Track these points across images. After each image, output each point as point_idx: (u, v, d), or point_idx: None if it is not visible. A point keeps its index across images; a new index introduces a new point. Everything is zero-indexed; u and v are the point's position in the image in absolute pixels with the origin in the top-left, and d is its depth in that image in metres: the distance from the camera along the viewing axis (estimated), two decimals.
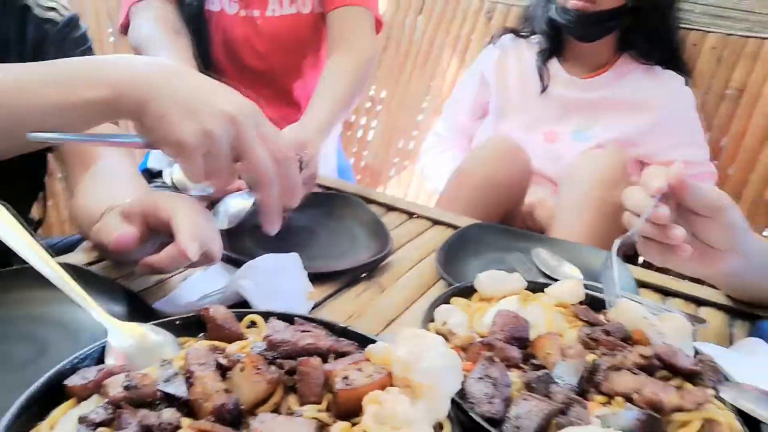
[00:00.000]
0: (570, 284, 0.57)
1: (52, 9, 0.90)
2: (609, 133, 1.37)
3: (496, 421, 0.41)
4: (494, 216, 1.22)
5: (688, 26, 1.54)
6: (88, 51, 0.93)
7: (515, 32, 1.51)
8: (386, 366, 0.41)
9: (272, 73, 1.28)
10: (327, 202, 0.98)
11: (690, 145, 1.38)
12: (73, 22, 0.90)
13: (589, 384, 0.46)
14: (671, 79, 1.37)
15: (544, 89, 1.42)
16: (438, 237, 0.95)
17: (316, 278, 0.73)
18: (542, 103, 1.43)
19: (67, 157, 0.87)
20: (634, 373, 0.46)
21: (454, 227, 0.98)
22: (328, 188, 1.09)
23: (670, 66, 1.38)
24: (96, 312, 0.46)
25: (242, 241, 0.81)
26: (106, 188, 0.75)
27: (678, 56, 1.42)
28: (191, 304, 0.65)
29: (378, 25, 1.19)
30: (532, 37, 1.48)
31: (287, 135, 0.91)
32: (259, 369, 0.40)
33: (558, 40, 1.42)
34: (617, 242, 0.61)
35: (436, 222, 1.01)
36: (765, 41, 1.50)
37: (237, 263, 0.71)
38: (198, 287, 0.69)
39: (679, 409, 0.43)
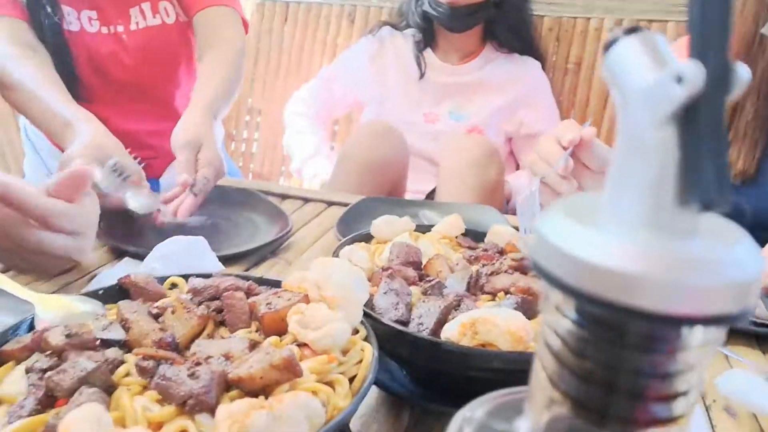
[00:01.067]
0: (451, 219, 0.66)
1: None
2: (481, 113, 1.53)
3: (403, 323, 0.48)
4: (380, 194, 1.30)
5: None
6: None
7: (392, 25, 1.63)
8: (303, 291, 0.46)
9: (145, 86, 1.27)
10: (224, 197, 1.01)
11: (549, 120, 1.56)
12: None
13: (475, 288, 0.54)
14: (530, 64, 1.56)
15: (422, 75, 1.55)
16: (333, 215, 1.02)
17: (226, 260, 0.77)
18: (420, 87, 1.57)
19: None
20: (509, 274, 0.55)
21: (347, 205, 1.05)
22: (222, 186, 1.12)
23: (527, 53, 1.56)
24: (18, 290, 0.48)
25: (147, 238, 0.83)
26: None
27: (534, 44, 1.60)
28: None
29: (244, 24, 1.22)
30: (407, 29, 1.61)
31: (180, 138, 0.92)
32: (188, 308, 0.44)
33: (431, 32, 1.57)
34: (537, 180, 0.71)
35: (330, 203, 1.08)
36: (590, 20, 1.72)
37: (143, 257, 0.73)
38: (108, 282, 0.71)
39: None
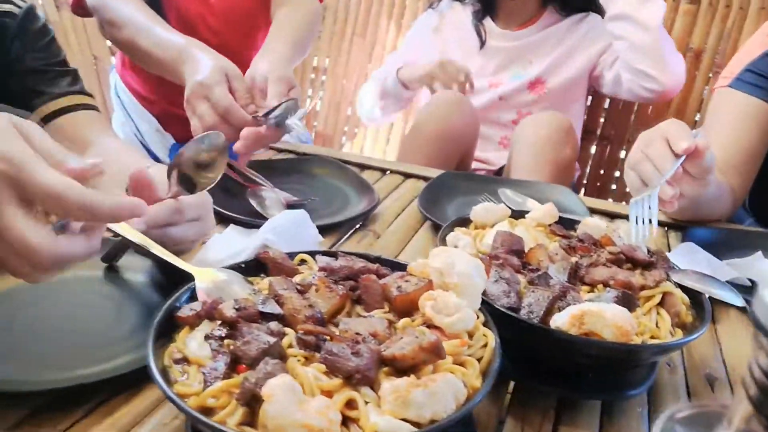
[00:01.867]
0: (546, 207, 0.70)
1: (9, 2, 0.92)
2: (542, 65, 1.55)
3: (515, 309, 0.53)
4: (450, 165, 1.34)
5: None
6: (52, 42, 0.96)
7: None
8: (426, 276, 0.52)
9: (228, 50, 1.31)
10: (308, 165, 1.07)
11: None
12: (31, 13, 0.92)
13: (574, 279, 0.59)
14: (590, 16, 1.56)
15: (482, 44, 1.57)
16: (412, 187, 1.07)
17: (321, 230, 0.83)
18: (483, 56, 1.59)
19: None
20: (607, 266, 0.59)
21: (425, 178, 1.10)
22: (305, 153, 1.18)
23: (588, 8, 1.55)
24: (178, 262, 0.55)
25: (245, 206, 0.90)
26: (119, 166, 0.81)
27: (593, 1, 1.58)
28: (220, 261, 0.74)
29: None
30: (466, 0, 1.62)
31: (262, 70, 0.93)
32: (330, 287, 0.50)
33: (489, 1, 1.57)
34: (657, 187, 0.74)
35: (407, 175, 1.13)
36: None
37: (246, 225, 0.81)
38: (218, 247, 0.78)
39: (644, 288, 0.57)
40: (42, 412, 0.50)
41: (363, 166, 1.15)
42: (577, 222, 0.72)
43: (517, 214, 0.72)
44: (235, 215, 0.86)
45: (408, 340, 0.43)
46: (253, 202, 0.90)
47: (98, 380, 0.51)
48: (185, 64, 0.93)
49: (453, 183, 1.03)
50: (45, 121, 0.92)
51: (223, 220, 0.86)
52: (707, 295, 0.59)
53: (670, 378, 0.61)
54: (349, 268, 0.53)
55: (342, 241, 0.87)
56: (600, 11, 1.55)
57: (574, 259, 0.61)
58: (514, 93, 1.57)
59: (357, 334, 0.45)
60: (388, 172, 1.14)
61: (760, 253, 0.81)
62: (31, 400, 0.51)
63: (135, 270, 0.70)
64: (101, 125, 0.97)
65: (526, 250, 0.62)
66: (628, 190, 0.84)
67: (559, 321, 0.51)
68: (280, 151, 1.22)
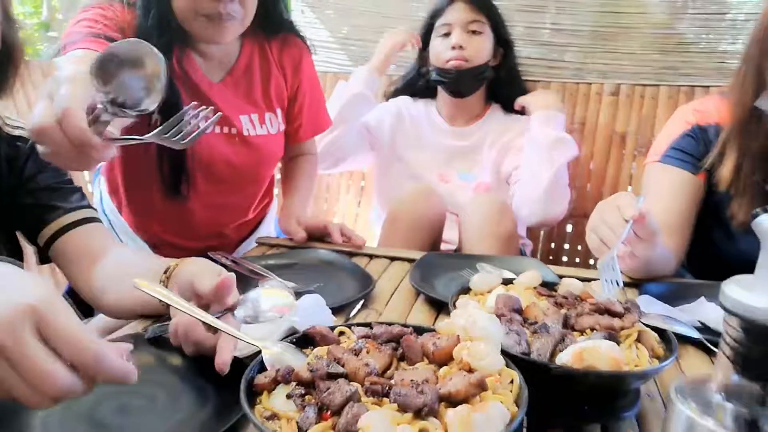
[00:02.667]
0: (531, 274, 0.84)
1: (20, 127, 1.02)
2: (485, 171, 1.73)
3: (527, 354, 0.65)
4: (425, 247, 1.49)
5: (534, 78, 1.96)
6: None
7: (404, 93, 1.84)
8: (453, 333, 0.63)
9: (240, 184, 1.42)
10: (303, 256, 1.19)
11: None
12: None
13: (566, 327, 0.72)
14: (524, 119, 1.75)
15: (432, 139, 1.76)
16: (399, 269, 1.20)
17: (332, 311, 0.94)
18: (433, 149, 1.76)
19: (67, 251, 1.00)
20: (591, 315, 0.73)
21: (409, 260, 1.23)
22: (296, 246, 1.30)
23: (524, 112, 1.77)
24: (247, 338, 0.65)
25: None
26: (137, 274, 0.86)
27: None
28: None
29: None
30: (418, 97, 1.83)
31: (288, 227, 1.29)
32: (379, 348, 0.61)
33: (438, 98, 1.78)
34: (616, 248, 0.90)
35: (392, 258, 1.26)
36: (591, 85, 1.95)
37: None
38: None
39: (623, 328, 0.70)
40: None
41: (351, 254, 1.27)
42: (554, 284, 0.85)
43: (507, 281, 0.85)
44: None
45: (457, 379, 0.54)
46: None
47: None
48: None
49: (438, 262, 1.16)
50: (61, 232, 1.00)
51: None
52: (671, 332, 0.73)
53: (651, 405, 0.74)
54: (389, 332, 0.64)
55: (351, 318, 0.97)
56: None
57: (563, 312, 0.74)
58: (461, 190, 1.73)
59: (412, 380, 0.56)
60: (374, 257, 1.27)
61: (703, 298, 0.98)
62: None
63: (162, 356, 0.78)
64: (110, 235, 1.06)
65: (523, 308, 0.75)
66: (591, 249, 0.99)
67: (564, 359, 0.63)
68: (271, 246, 1.32)
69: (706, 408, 0.41)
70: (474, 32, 1.66)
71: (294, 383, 0.56)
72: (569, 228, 1.97)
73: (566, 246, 1.99)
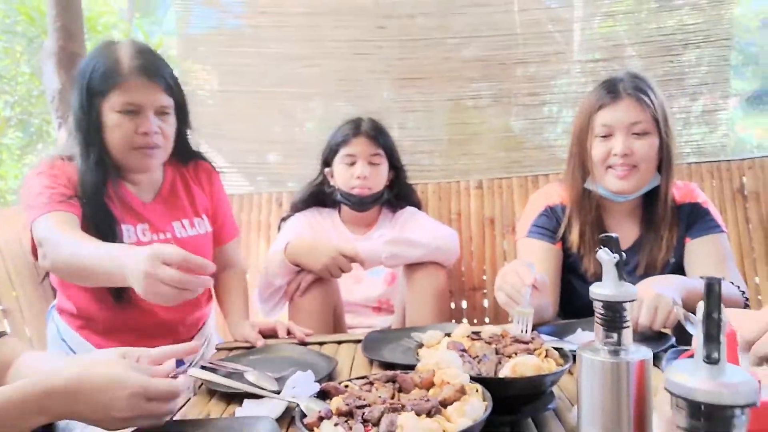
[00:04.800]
0: (463, 326, 1.15)
1: None
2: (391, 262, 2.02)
3: (479, 374, 0.94)
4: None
5: (414, 182, 2.37)
6: None
7: (310, 204, 2.12)
8: (428, 369, 0.91)
9: None
10: (263, 351, 1.41)
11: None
12: None
13: (498, 355, 1.02)
14: (414, 213, 2.11)
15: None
16: (348, 348, 1.45)
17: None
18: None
19: None
20: (512, 344, 1.04)
21: (354, 341, 1.49)
22: (251, 346, 1.51)
23: (408, 204, 2.13)
24: (287, 398, 0.88)
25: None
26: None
27: (414, 198, 2.17)
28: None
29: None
30: (321, 207, 2.12)
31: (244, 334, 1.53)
32: (383, 385, 0.87)
33: (342, 211, 2.09)
34: (525, 304, 1.21)
35: (339, 342, 1.51)
36: (459, 182, 2.39)
37: (256, 396, 1.12)
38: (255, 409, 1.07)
39: (536, 349, 1.02)
40: None
41: (304, 344, 1.50)
42: (478, 332, 1.17)
43: (447, 334, 1.15)
44: (247, 390, 1.16)
45: (446, 390, 0.82)
46: (249, 383, 1.21)
47: None
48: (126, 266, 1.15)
49: (380, 337, 1.44)
50: None
51: (236, 396, 1.14)
52: (567, 349, 1.06)
53: (562, 403, 1.05)
54: (386, 376, 0.91)
55: None
56: (419, 205, 2.16)
57: (493, 346, 1.05)
58: (374, 285, 2.03)
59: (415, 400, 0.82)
60: (323, 343, 1.51)
61: (579, 329, 1.34)
62: None
63: None
64: (19, 344, 1.14)
65: (466, 348, 1.05)
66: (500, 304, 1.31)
67: (504, 372, 0.93)
68: (230, 349, 1.52)
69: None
70: (373, 163, 1.99)
71: (336, 416, 0.81)
72: (464, 304, 2.33)
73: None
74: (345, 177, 2.00)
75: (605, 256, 0.75)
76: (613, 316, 0.73)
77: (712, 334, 0.60)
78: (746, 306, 1.57)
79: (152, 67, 1.47)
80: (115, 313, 1.50)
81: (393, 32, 2.60)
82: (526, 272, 1.25)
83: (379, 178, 2.01)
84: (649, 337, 1.28)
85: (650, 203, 1.65)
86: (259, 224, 2.43)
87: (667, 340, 1.27)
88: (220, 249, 1.75)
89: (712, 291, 0.60)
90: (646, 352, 0.75)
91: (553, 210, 1.70)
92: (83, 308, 1.54)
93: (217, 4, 2.81)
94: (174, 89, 1.53)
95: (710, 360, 0.60)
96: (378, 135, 2.01)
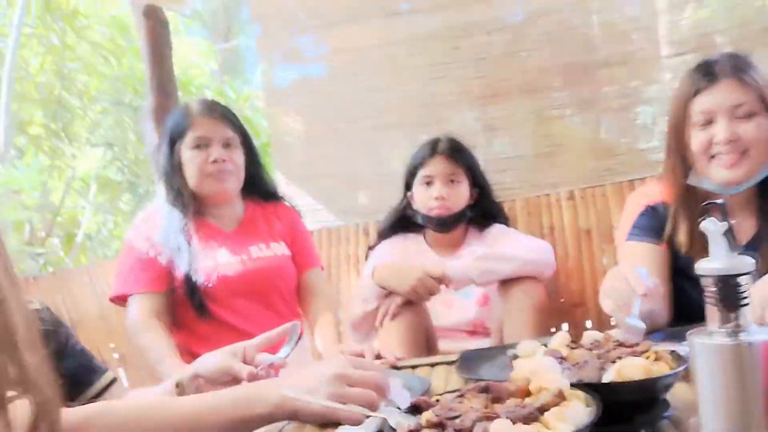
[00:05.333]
0: (561, 335, 1.07)
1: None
2: (480, 286, 1.92)
3: (580, 381, 0.86)
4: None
5: (502, 200, 2.30)
6: (72, 334, 1.16)
7: (396, 231, 2.10)
8: (524, 377, 0.85)
9: (256, 299, 1.74)
10: None
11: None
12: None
13: (599, 360, 0.94)
14: (502, 229, 2.03)
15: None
16: (444, 370, 1.40)
17: None
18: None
19: None
20: (616, 349, 0.95)
21: (448, 363, 1.43)
22: None
23: (495, 221, 2.05)
24: (376, 414, 0.85)
25: None
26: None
27: (502, 216, 2.10)
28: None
29: None
30: (407, 231, 2.09)
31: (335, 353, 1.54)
32: (476, 395, 0.82)
33: (426, 234, 2.05)
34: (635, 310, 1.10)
35: (433, 365, 1.46)
36: (548, 196, 2.29)
37: None
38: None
39: (643, 352, 0.93)
40: None
41: (395, 367, 1.46)
42: (576, 341, 1.08)
43: (544, 344, 1.08)
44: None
45: (544, 396, 0.75)
46: None
47: None
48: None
49: (475, 355, 1.38)
50: (106, 389, 1.14)
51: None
52: (678, 351, 0.96)
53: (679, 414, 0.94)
54: (478, 386, 0.85)
55: None
56: (507, 222, 2.08)
57: (594, 352, 0.96)
58: (465, 308, 1.96)
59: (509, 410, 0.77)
60: (416, 367, 1.47)
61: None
62: None
63: None
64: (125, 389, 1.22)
65: (564, 357, 0.97)
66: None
67: (608, 377, 0.85)
68: None
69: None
70: (453, 182, 1.94)
71: (426, 429, 0.76)
72: (565, 326, 2.21)
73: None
74: (424, 198, 1.97)
75: (711, 226, 0.67)
76: (728, 293, 0.64)
77: None
78: None
79: (216, 107, 1.75)
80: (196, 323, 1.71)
81: (467, 53, 2.59)
82: (637, 279, 1.14)
83: (458, 197, 1.96)
84: None
85: (767, 192, 1.50)
86: (348, 257, 2.44)
87: None
88: (302, 276, 1.83)
89: None
90: None
91: (655, 209, 1.57)
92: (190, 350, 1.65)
93: (299, 57, 2.91)
94: (237, 125, 1.75)
95: None
96: (456, 153, 1.97)
